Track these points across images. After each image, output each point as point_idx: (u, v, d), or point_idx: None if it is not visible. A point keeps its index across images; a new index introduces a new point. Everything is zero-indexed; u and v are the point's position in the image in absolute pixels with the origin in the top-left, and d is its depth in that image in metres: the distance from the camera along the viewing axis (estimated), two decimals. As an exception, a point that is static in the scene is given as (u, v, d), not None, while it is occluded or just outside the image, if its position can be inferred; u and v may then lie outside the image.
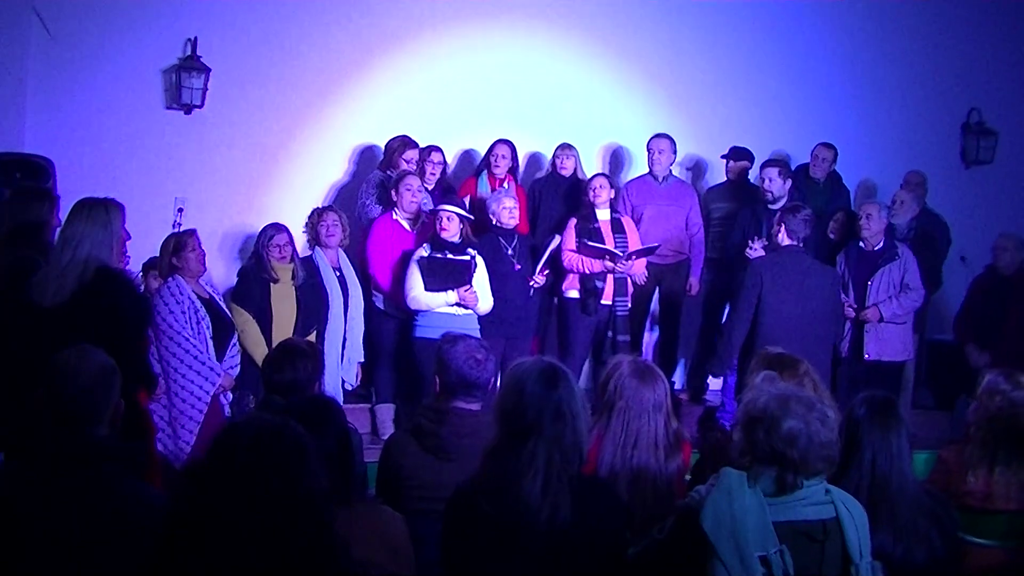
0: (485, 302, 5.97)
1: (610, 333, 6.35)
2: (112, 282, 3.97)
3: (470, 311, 5.93)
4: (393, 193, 6.31)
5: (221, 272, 6.69)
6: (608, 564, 2.61)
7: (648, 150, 7.03)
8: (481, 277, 5.99)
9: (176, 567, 2.01)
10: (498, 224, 6.29)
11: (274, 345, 4.91)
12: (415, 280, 5.89)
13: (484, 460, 2.67)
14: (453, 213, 5.98)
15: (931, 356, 7.47)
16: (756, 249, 6.37)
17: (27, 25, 6.72)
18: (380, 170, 6.80)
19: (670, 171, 7.07)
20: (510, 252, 6.28)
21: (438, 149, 6.88)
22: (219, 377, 5.11)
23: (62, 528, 2.43)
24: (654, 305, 7.21)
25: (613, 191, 6.63)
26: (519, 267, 6.29)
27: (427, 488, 3.37)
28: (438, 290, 5.88)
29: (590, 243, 6.31)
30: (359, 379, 6.34)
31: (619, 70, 7.78)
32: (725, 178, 7.42)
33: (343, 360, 6.11)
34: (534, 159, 7.59)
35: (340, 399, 5.33)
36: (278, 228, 5.83)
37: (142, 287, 5.56)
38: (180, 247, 5.23)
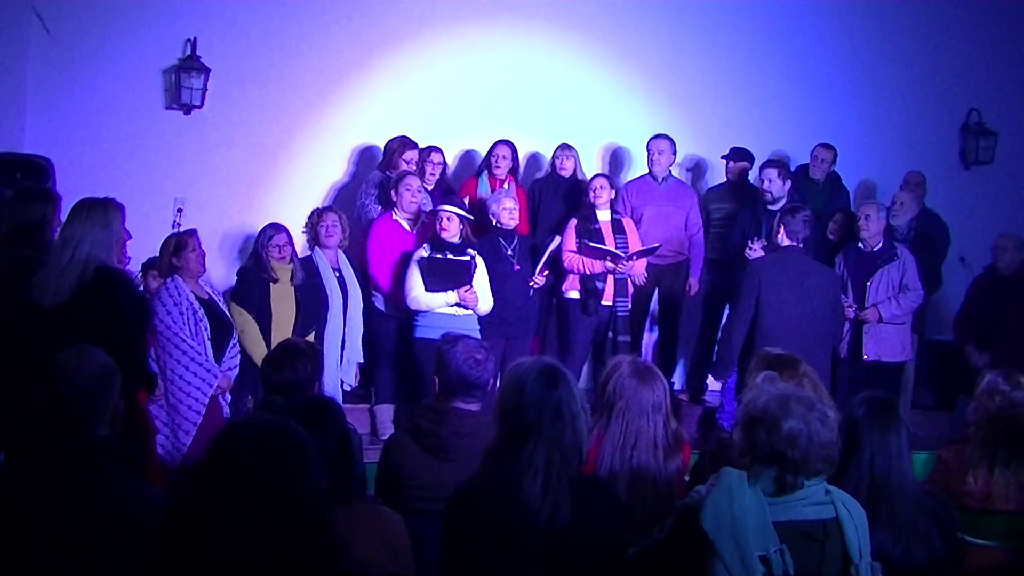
0: (485, 302, 5.97)
1: (611, 334, 6.35)
2: (112, 282, 3.97)
3: (470, 311, 5.94)
4: (393, 193, 6.31)
5: (221, 272, 6.69)
6: (608, 564, 2.61)
7: (648, 151, 7.03)
8: (481, 277, 5.99)
9: (176, 567, 2.01)
10: (498, 225, 6.29)
11: (273, 345, 4.92)
12: (415, 280, 5.89)
13: (484, 460, 2.67)
14: (453, 213, 5.98)
15: (931, 356, 7.47)
16: (756, 250, 6.38)
17: (27, 25, 6.73)
18: (380, 170, 6.80)
19: (670, 172, 7.06)
20: (510, 253, 6.28)
21: (438, 150, 6.88)
22: (216, 379, 5.10)
23: (62, 528, 2.43)
24: (653, 306, 7.21)
25: (614, 192, 6.64)
26: (519, 268, 6.29)
27: (427, 488, 3.36)
28: (438, 290, 5.88)
29: (591, 244, 6.31)
30: (358, 380, 6.34)
31: (619, 70, 7.79)
32: (725, 179, 7.42)
33: (342, 361, 6.10)
34: (534, 159, 7.59)
35: (339, 400, 5.32)
36: (277, 228, 5.82)
37: (141, 287, 5.55)
38: (180, 247, 5.23)
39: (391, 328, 6.27)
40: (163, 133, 6.99)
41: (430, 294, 5.87)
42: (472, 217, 6.23)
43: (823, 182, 7.38)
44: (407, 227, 6.29)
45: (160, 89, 7.04)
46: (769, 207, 6.59)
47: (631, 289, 6.47)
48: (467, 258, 5.97)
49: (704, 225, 7.10)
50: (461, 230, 6.00)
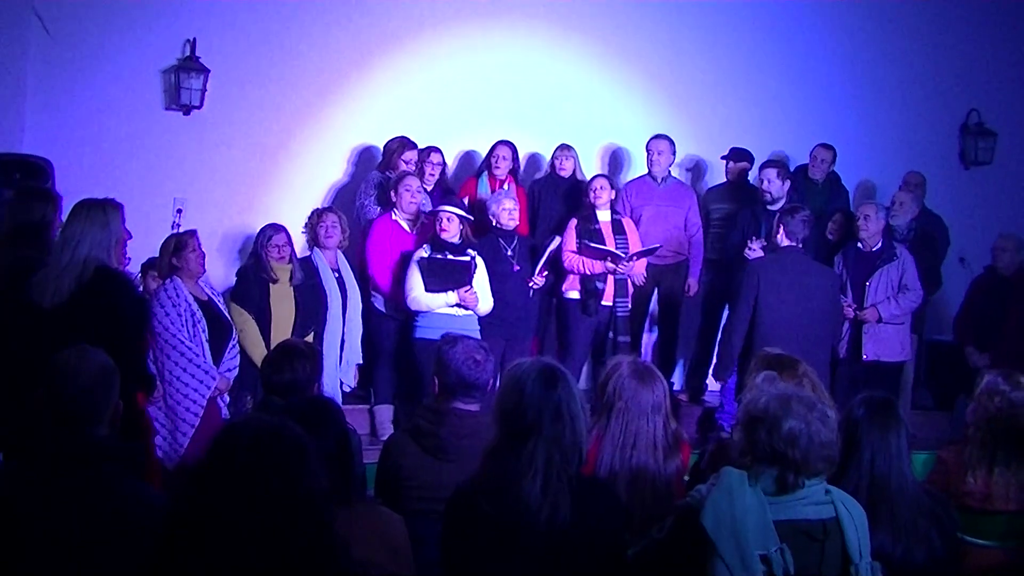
0: (485, 303, 5.97)
1: (611, 334, 6.35)
2: (111, 282, 3.98)
3: (470, 312, 5.94)
4: (392, 194, 6.31)
5: (220, 272, 6.69)
6: (608, 564, 2.61)
7: (647, 151, 7.03)
8: (481, 278, 5.99)
9: (176, 567, 2.01)
10: (498, 225, 6.29)
11: (272, 345, 4.92)
12: (415, 281, 5.89)
13: (484, 460, 2.67)
14: (453, 214, 5.98)
15: (930, 356, 7.48)
16: (755, 250, 6.38)
17: (27, 25, 6.73)
18: (379, 171, 6.80)
19: (669, 172, 7.07)
20: (510, 253, 6.28)
21: (437, 150, 6.88)
22: (215, 380, 5.09)
23: (62, 528, 2.43)
24: (653, 306, 7.21)
25: (614, 192, 6.64)
26: (519, 268, 6.29)
27: (426, 489, 3.36)
28: (438, 291, 5.88)
29: (591, 244, 6.31)
30: (357, 380, 6.34)
31: (619, 70, 7.79)
32: (724, 179, 7.42)
33: (341, 362, 6.10)
34: (534, 160, 7.59)
35: (338, 400, 5.32)
36: (277, 228, 5.82)
37: (141, 287, 5.55)
38: (180, 247, 5.22)
39: (391, 328, 6.27)
40: (163, 133, 6.99)
41: (430, 294, 5.87)
42: (472, 217, 6.23)
43: (822, 182, 7.38)
44: (407, 227, 6.29)
45: (160, 89, 7.04)
46: (768, 207, 6.59)
47: (631, 289, 6.47)
48: (467, 258, 5.98)
49: (704, 225, 7.10)
50: (461, 230, 6.00)
